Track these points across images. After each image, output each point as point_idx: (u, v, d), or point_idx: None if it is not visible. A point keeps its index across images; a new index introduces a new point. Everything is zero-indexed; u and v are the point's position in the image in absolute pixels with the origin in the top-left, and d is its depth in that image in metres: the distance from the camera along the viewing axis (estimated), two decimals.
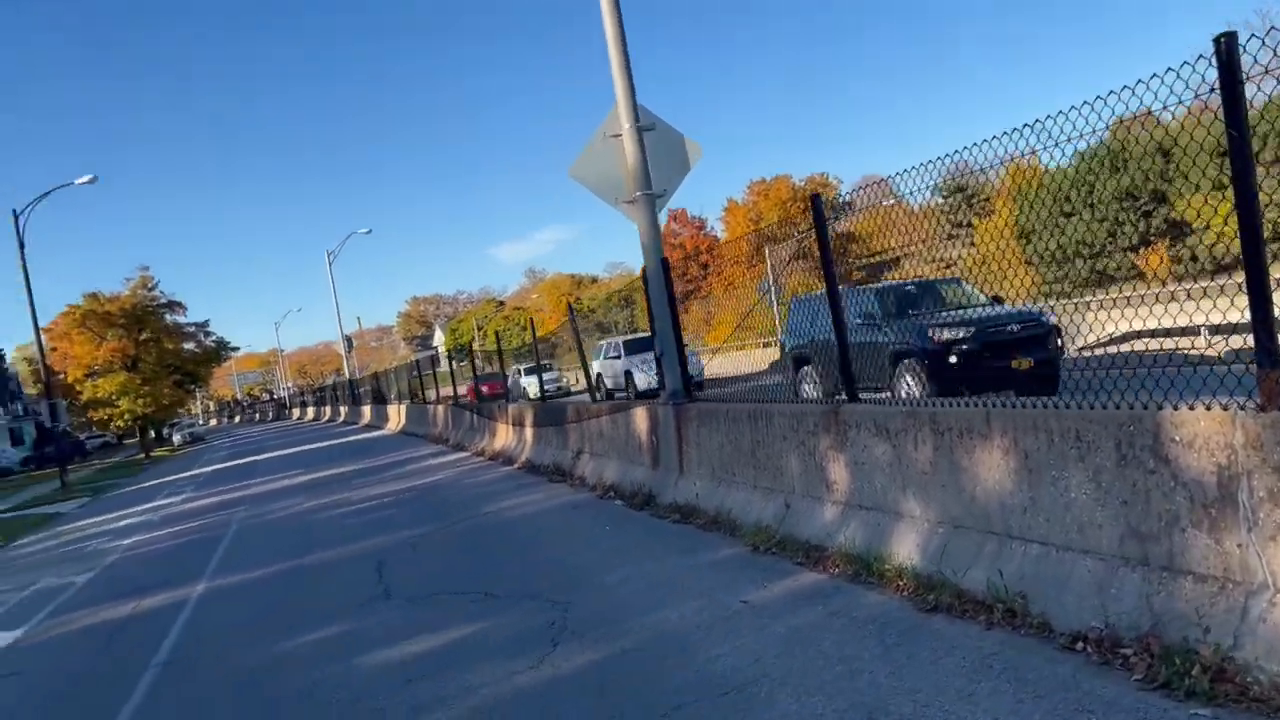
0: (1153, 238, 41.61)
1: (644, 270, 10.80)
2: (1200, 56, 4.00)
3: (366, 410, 44.10)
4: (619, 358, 24.92)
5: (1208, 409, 4.16)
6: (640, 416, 11.15)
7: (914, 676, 4.53)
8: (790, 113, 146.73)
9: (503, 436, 18.56)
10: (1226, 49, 3.92)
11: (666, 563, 7.64)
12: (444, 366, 25.38)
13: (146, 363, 58.40)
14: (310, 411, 69.64)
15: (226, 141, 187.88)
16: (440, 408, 26.03)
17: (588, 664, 5.55)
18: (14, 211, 31.97)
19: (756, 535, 7.78)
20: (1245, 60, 3.93)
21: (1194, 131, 4.52)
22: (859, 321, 9.34)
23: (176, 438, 65.63)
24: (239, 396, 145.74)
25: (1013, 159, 5.73)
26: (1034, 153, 5.20)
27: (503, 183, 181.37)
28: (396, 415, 34.90)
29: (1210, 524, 4.15)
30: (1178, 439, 4.29)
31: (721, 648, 5.41)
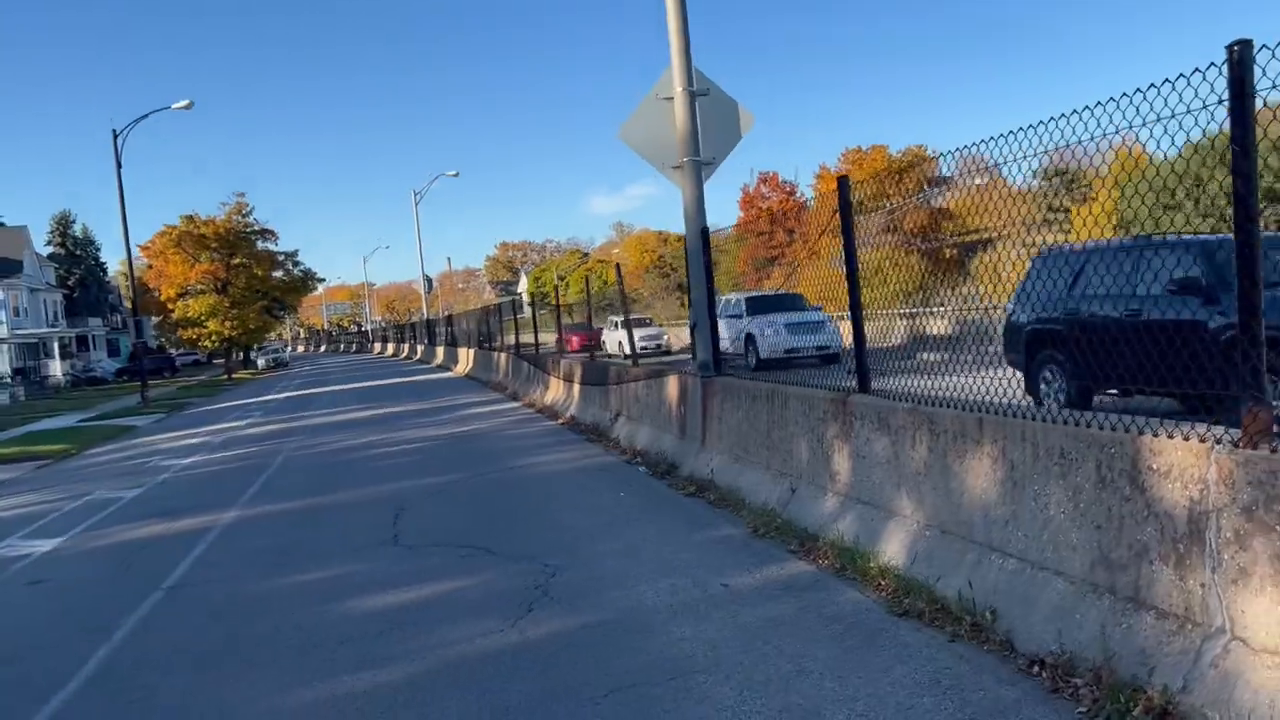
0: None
1: (692, 237, 10.66)
2: (1211, 64, 3.73)
3: (440, 351, 44.89)
4: (739, 317, 20.40)
5: (1185, 439, 3.93)
6: (672, 385, 11.09)
7: (859, 684, 4.44)
8: (893, 82, 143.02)
9: (554, 390, 18.69)
10: (1239, 58, 3.63)
11: (666, 536, 7.62)
12: (526, 314, 24.45)
13: (236, 287, 60.34)
14: (390, 347, 71.18)
15: (329, 80, 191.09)
16: (503, 356, 26.31)
17: (553, 633, 5.58)
18: (113, 131, 33.04)
19: (760, 517, 7.69)
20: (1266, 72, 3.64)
21: None
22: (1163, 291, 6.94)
23: (260, 361, 67.80)
24: (326, 326, 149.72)
25: (1112, 142, 5.11)
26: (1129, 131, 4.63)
27: (599, 135, 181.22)
28: (465, 359, 35.44)
29: (1177, 560, 3.94)
30: (1154, 467, 4.07)
31: (685, 631, 5.38)
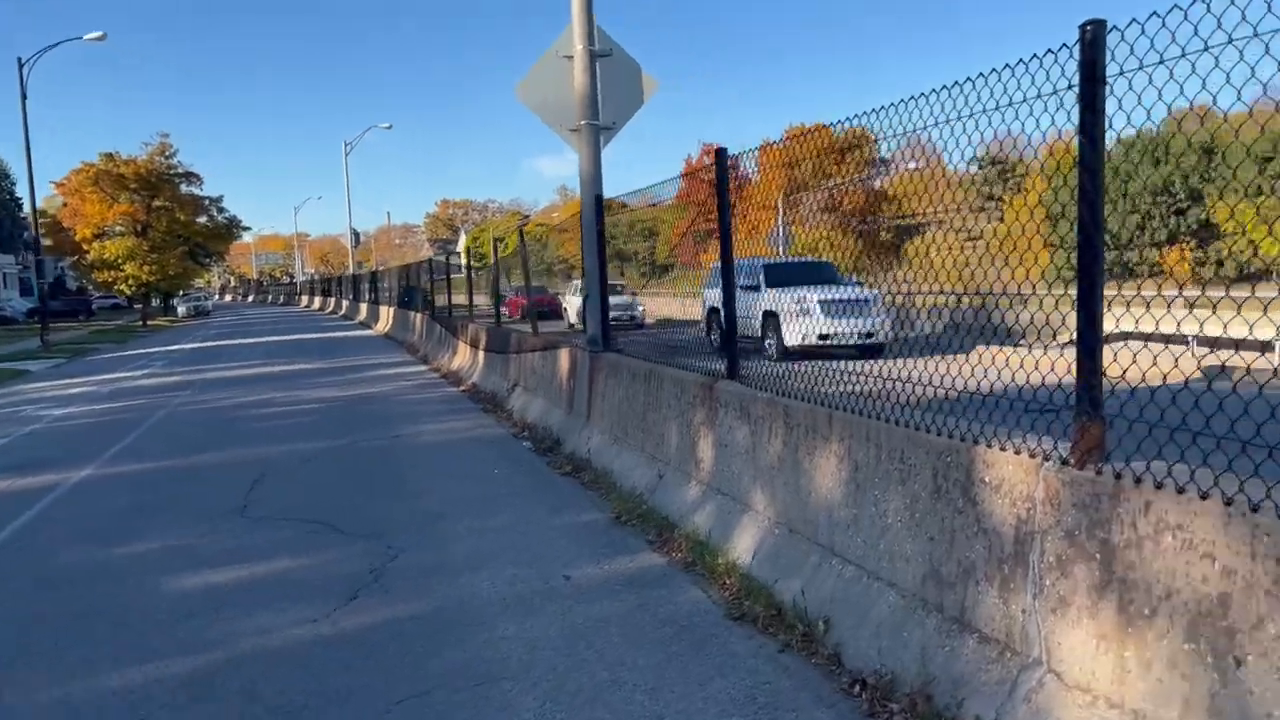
0: (1183, 236, 40.42)
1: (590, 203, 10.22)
2: (1064, 45, 3.40)
3: (363, 308, 43.83)
4: (755, 289, 15.58)
5: (1018, 453, 3.65)
6: (564, 358, 10.69)
7: (671, 699, 4.12)
8: (835, 63, 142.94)
9: (461, 356, 18.16)
10: (1091, 39, 3.31)
11: (527, 518, 7.25)
12: (462, 274, 22.31)
13: (157, 230, 58.25)
14: (317, 301, 69.51)
15: (264, 26, 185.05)
16: (419, 316, 25.63)
17: (370, 626, 5.18)
18: (19, 60, 31.32)
19: (626, 503, 7.36)
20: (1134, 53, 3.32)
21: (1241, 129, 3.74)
22: None
23: (181, 309, 65.76)
24: (257, 276, 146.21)
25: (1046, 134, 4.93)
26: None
27: None
28: (385, 318, 34.59)
29: (1001, 582, 3.67)
30: (987, 480, 3.79)
31: (510, 629, 5.01)
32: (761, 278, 15.17)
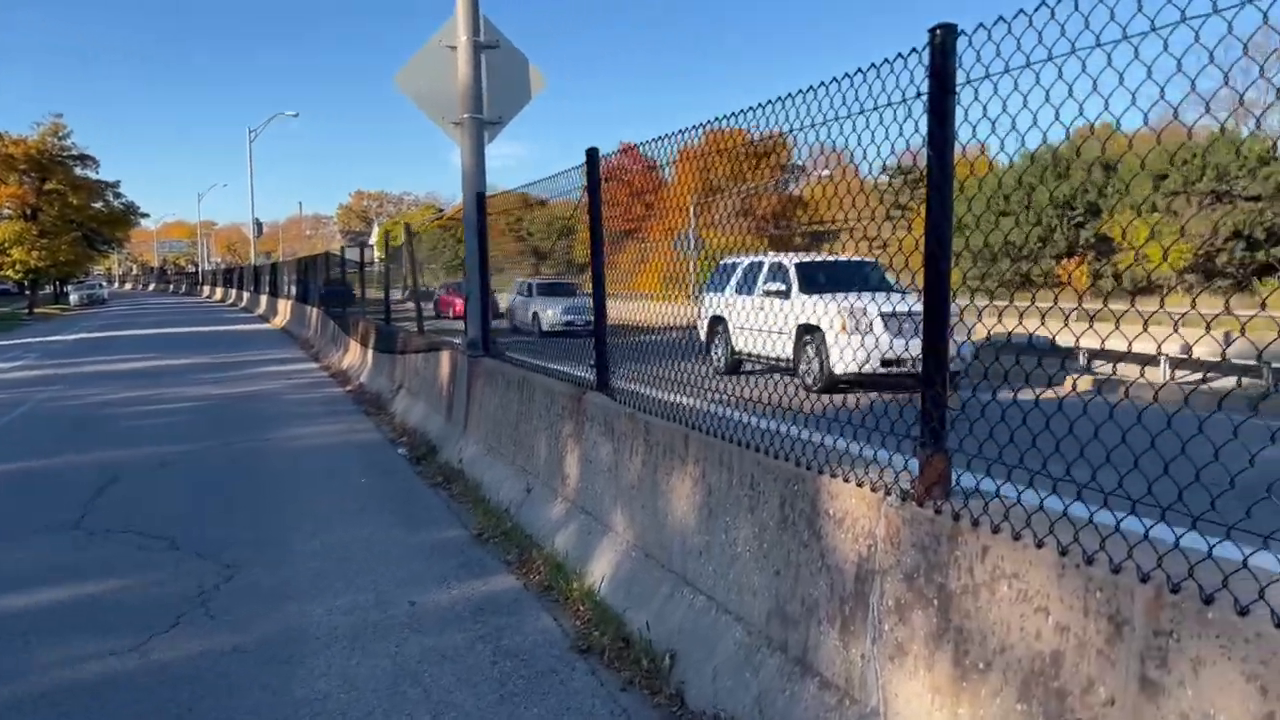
0: (1081, 249, 41.59)
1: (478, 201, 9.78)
2: (914, 50, 3.16)
3: (263, 300, 42.39)
4: (783, 294, 12.59)
5: (860, 485, 3.40)
6: (445, 362, 10.25)
7: None
8: (757, 69, 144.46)
9: (352, 354, 17.51)
10: (941, 45, 3.07)
11: (385, 534, 6.82)
12: (378, 267, 20.89)
13: (47, 214, 55.78)
14: (219, 292, 67.17)
15: (169, 12, 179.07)
16: (315, 311, 24.77)
17: (184, 658, 4.70)
18: None
19: (491, 519, 6.99)
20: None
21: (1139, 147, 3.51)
22: None
23: (73, 297, 62.88)
24: (160, 265, 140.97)
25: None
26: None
27: None
28: (284, 311, 33.46)
29: (843, 624, 3.42)
30: (831, 513, 3.54)
31: (335, 664, 4.60)
32: (793, 279, 12.33)
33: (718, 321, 11.45)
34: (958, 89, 3.06)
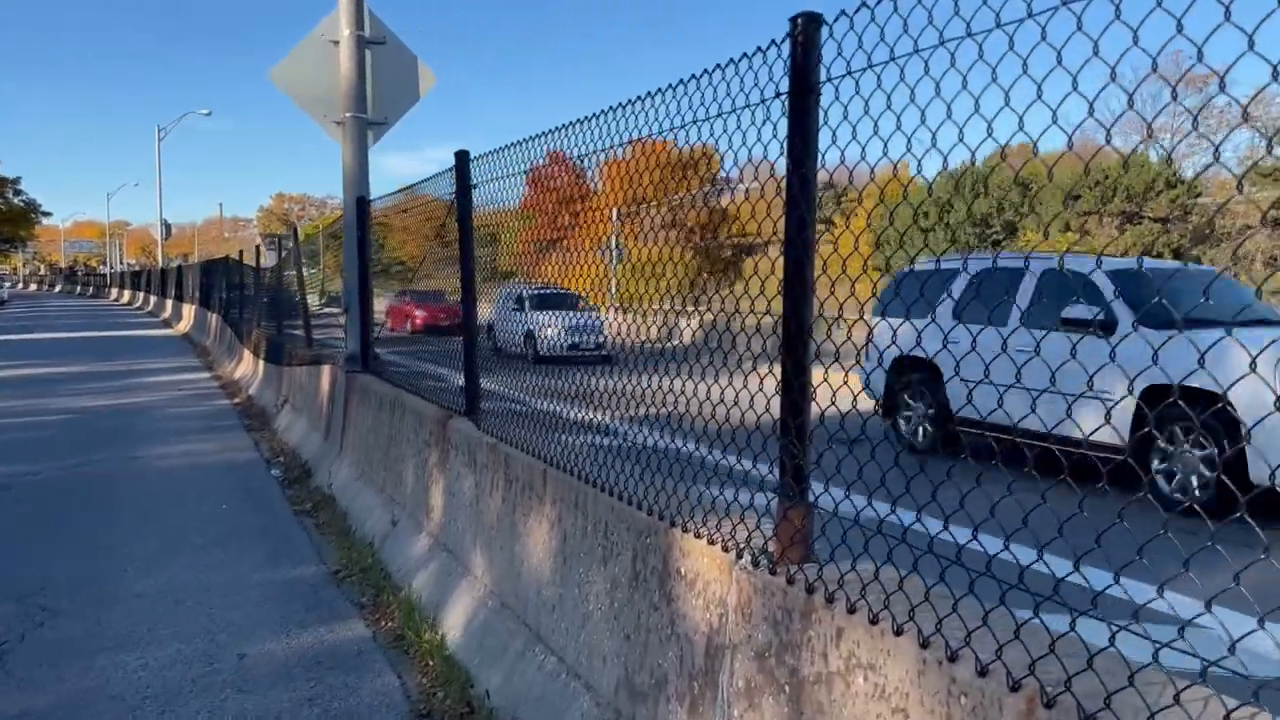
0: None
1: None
2: (773, 43, 2.71)
3: (169, 305, 40.74)
4: (944, 307, 8.16)
5: (711, 543, 2.94)
6: (325, 377, 9.59)
7: None
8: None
9: (245, 364, 16.63)
10: (803, 38, 2.63)
11: (230, 573, 6.17)
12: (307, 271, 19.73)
13: None
14: (126, 295, 64.62)
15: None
16: (215, 317, 23.69)
17: None
18: None
19: (354, 553, 6.41)
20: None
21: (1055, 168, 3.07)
22: None
23: None
24: (70, 265, 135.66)
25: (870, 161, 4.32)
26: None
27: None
28: (188, 317, 32.10)
29: (691, 704, 2.95)
30: (683, 573, 3.08)
31: None
32: (954, 299, 8.19)
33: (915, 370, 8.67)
34: (822, 85, 2.63)
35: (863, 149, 2.42)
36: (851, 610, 2.34)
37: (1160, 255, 36.01)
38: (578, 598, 3.78)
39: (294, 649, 4.93)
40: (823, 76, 2.63)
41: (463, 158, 5.61)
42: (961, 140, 2.12)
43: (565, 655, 3.82)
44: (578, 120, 3.93)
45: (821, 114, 2.60)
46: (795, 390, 2.73)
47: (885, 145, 2.35)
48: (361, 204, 8.60)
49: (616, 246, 9.47)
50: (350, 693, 4.40)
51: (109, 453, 10.29)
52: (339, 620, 5.33)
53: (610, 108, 3.64)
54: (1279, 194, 32.71)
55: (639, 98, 3.32)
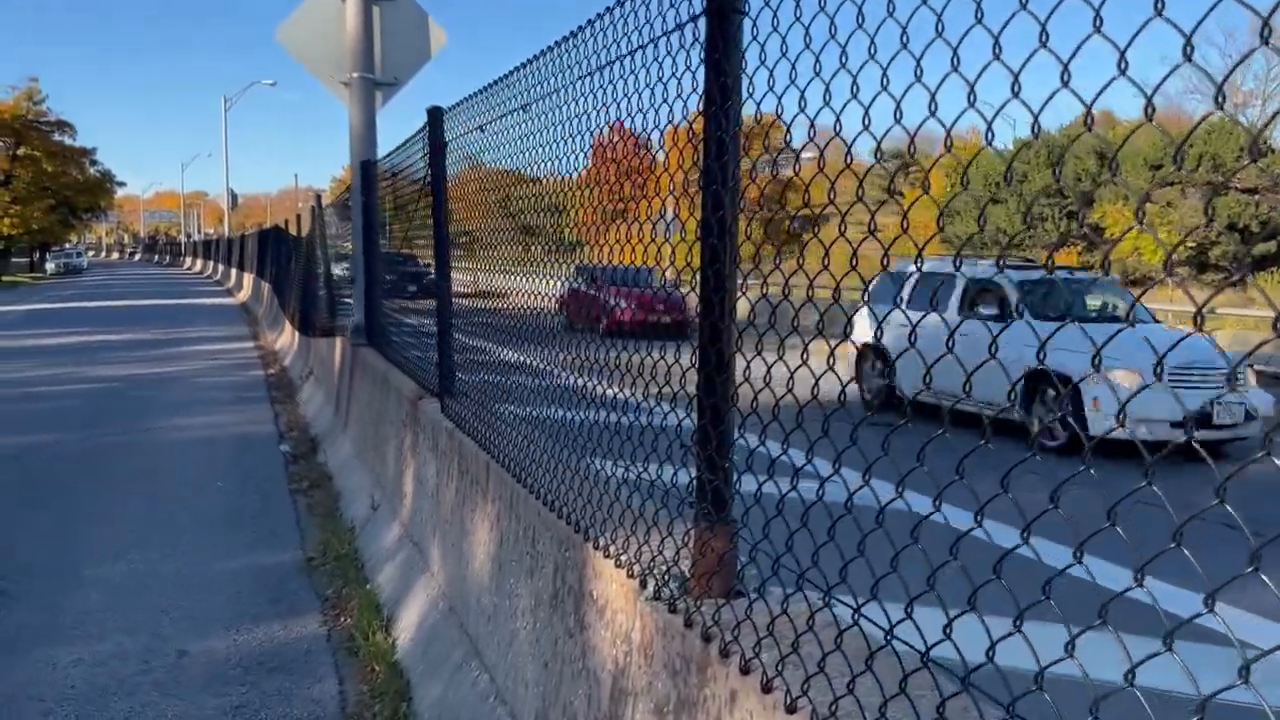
0: (1073, 240, 40.52)
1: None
2: None
3: (233, 274, 41.26)
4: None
5: (618, 565, 2.45)
6: (338, 349, 9.27)
7: None
8: None
9: (286, 335, 16.51)
10: None
11: (204, 558, 5.87)
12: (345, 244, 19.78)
13: (20, 181, 54.42)
14: (198, 264, 65.95)
15: None
16: (267, 287, 23.74)
17: None
18: None
19: (335, 538, 6.06)
20: None
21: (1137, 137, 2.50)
22: None
23: (50, 266, 61.71)
24: (151, 234, 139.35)
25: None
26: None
27: (489, 50, 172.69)
28: (247, 286, 32.37)
29: None
30: (595, 597, 2.60)
31: None
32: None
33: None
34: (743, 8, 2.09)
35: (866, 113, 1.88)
36: (745, 670, 1.83)
37: (1248, 228, 34.16)
38: (509, 611, 3.33)
39: (240, 647, 4.58)
40: None
41: (435, 114, 5.13)
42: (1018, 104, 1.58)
43: (496, 674, 3.38)
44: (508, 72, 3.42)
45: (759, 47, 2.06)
46: (716, 391, 2.20)
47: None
48: (367, 168, 8.20)
49: (673, 218, 9.04)
50: (283, 700, 4.02)
51: (129, 423, 10.16)
52: (297, 616, 4.97)
53: (545, 49, 3.13)
54: None
55: (584, 25, 2.79)
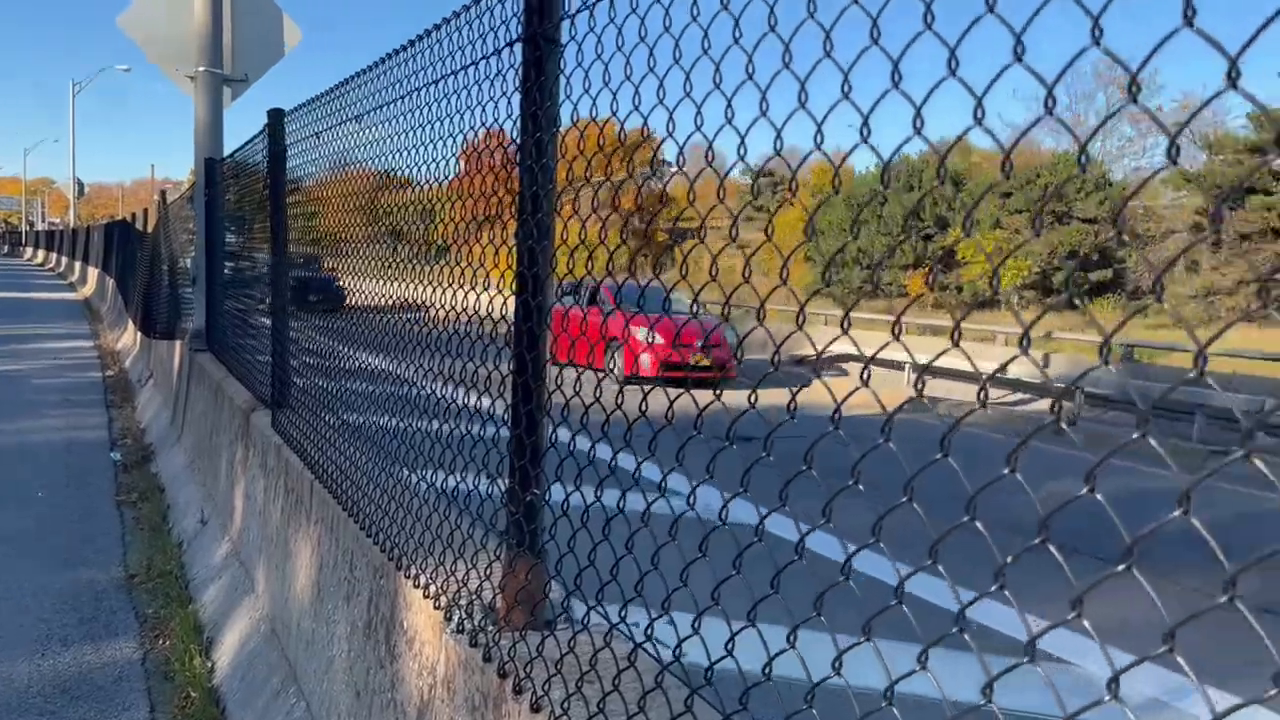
0: (927, 261, 42.25)
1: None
2: None
3: (77, 267, 38.95)
4: None
5: (426, 595, 2.39)
6: (177, 353, 8.84)
7: None
8: None
9: (129, 334, 15.67)
10: None
11: (15, 576, 5.47)
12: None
13: None
14: (40, 255, 61.97)
15: None
16: (111, 283, 22.50)
17: None
18: None
19: (159, 554, 5.76)
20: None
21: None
22: None
23: None
24: None
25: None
26: None
27: (365, 42, 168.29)
28: (91, 280, 30.62)
29: None
30: (405, 627, 2.53)
31: None
32: None
33: None
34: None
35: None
36: (535, 709, 1.81)
37: (1088, 256, 36.36)
38: (326, 637, 3.22)
39: (44, 672, 4.28)
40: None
41: (275, 116, 4.95)
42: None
43: (312, 703, 3.26)
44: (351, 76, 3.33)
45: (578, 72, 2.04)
46: (531, 403, 2.17)
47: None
48: (211, 166, 7.85)
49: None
50: None
51: None
52: (111, 638, 4.69)
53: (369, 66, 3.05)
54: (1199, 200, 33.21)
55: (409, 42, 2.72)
